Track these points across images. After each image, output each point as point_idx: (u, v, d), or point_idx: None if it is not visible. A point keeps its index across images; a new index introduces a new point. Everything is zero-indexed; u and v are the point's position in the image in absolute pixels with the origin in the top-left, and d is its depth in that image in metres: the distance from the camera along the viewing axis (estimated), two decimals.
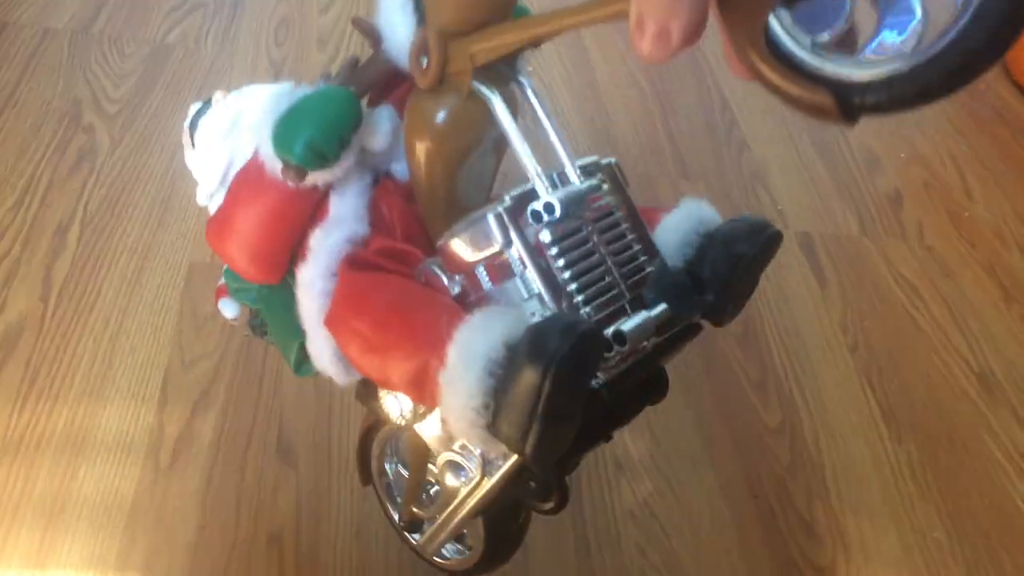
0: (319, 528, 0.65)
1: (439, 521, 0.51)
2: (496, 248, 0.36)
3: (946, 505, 0.76)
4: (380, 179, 0.44)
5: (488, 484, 0.46)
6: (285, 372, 0.74)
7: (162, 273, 0.80)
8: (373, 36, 0.43)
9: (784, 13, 0.29)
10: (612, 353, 0.36)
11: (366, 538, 0.64)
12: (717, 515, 0.72)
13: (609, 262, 0.38)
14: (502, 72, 0.39)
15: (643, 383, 0.41)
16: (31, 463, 0.64)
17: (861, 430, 0.81)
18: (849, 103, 0.28)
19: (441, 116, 0.39)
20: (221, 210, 0.45)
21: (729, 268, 0.39)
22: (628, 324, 0.36)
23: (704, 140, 1.12)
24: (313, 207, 0.43)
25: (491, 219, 0.36)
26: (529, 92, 0.40)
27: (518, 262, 0.36)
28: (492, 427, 0.34)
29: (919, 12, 0.29)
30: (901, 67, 0.27)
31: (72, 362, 0.71)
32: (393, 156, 0.44)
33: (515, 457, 0.42)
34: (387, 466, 0.58)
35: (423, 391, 0.36)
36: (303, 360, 0.47)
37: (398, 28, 0.40)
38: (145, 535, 0.62)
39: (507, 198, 0.36)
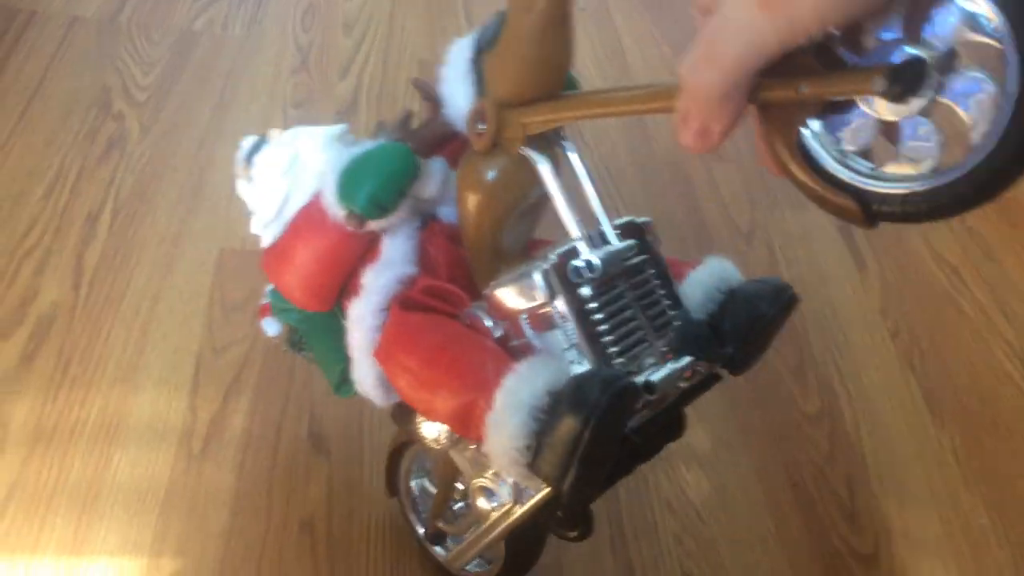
0: (352, 517, 0.64)
1: (468, 540, 0.52)
2: (540, 301, 0.40)
3: (991, 491, 0.74)
4: (428, 221, 0.48)
5: (519, 511, 0.47)
6: None
7: (192, 260, 0.79)
8: (433, 99, 0.47)
9: (815, 122, 0.33)
10: (642, 401, 0.39)
11: (399, 529, 0.64)
12: (754, 503, 0.70)
13: (640, 316, 0.41)
14: (548, 137, 0.43)
15: (665, 424, 0.45)
16: (65, 452, 0.64)
17: (903, 416, 0.79)
18: (869, 209, 0.32)
19: (492, 175, 0.43)
20: (281, 244, 0.49)
21: (749, 325, 0.42)
22: (657, 375, 0.40)
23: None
24: (366, 248, 0.47)
25: (537, 276, 0.39)
26: (572, 157, 0.43)
27: (559, 316, 0.40)
28: (532, 465, 0.37)
29: (936, 144, 0.31)
30: (916, 187, 0.30)
31: (104, 350, 0.71)
32: (441, 201, 0.48)
33: (547, 488, 0.45)
34: (413, 483, 0.60)
35: (468, 427, 0.40)
36: (343, 382, 0.50)
37: (459, 96, 0.44)
38: (179, 521, 0.62)
39: (552, 255, 0.40)
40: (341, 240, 0.46)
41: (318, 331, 0.52)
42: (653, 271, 0.42)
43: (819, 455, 0.75)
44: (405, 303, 0.45)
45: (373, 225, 0.45)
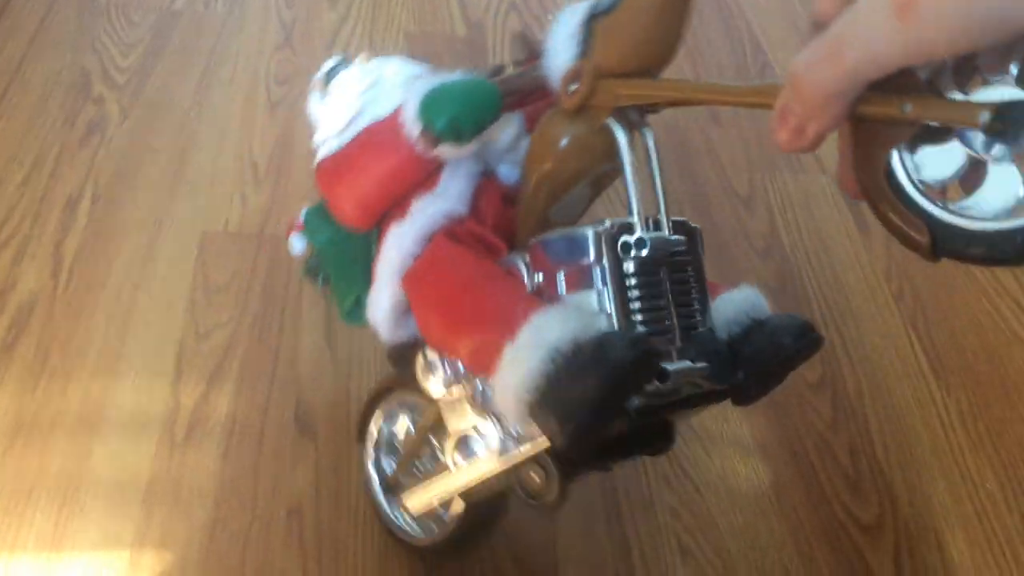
0: (339, 503, 0.62)
1: (432, 489, 0.52)
2: (587, 261, 0.40)
3: (999, 455, 0.72)
4: (487, 173, 0.49)
5: (495, 466, 0.46)
6: (302, 344, 0.72)
7: (174, 245, 0.78)
8: (533, 49, 0.49)
9: (905, 149, 0.34)
10: (652, 386, 0.40)
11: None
12: (754, 474, 0.69)
13: (672, 308, 0.41)
14: (631, 116, 0.43)
15: (650, 431, 0.45)
16: (45, 443, 0.63)
17: (907, 380, 0.77)
18: (936, 241, 0.33)
19: (567, 140, 0.43)
20: (343, 154, 0.48)
21: (770, 355, 0.43)
22: (673, 366, 0.40)
23: (734, 83, 1.07)
24: (425, 176, 0.47)
25: (591, 234, 0.40)
26: (649, 142, 0.44)
27: (600, 279, 0.40)
28: (536, 409, 0.37)
29: (1016, 192, 0.32)
30: (988, 228, 0.31)
31: (84, 339, 0.69)
32: (505, 158, 0.49)
33: (530, 447, 0.44)
34: (382, 427, 0.58)
35: (482, 360, 0.39)
36: (355, 308, 0.51)
37: (561, 53, 0.44)
38: (161, 512, 0.60)
39: (608, 223, 0.40)
40: (406, 160, 0.46)
41: (343, 256, 0.52)
42: (693, 274, 0.43)
43: (821, 424, 0.73)
44: (451, 235, 0.46)
45: (442, 150, 0.45)
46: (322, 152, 0.50)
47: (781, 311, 0.80)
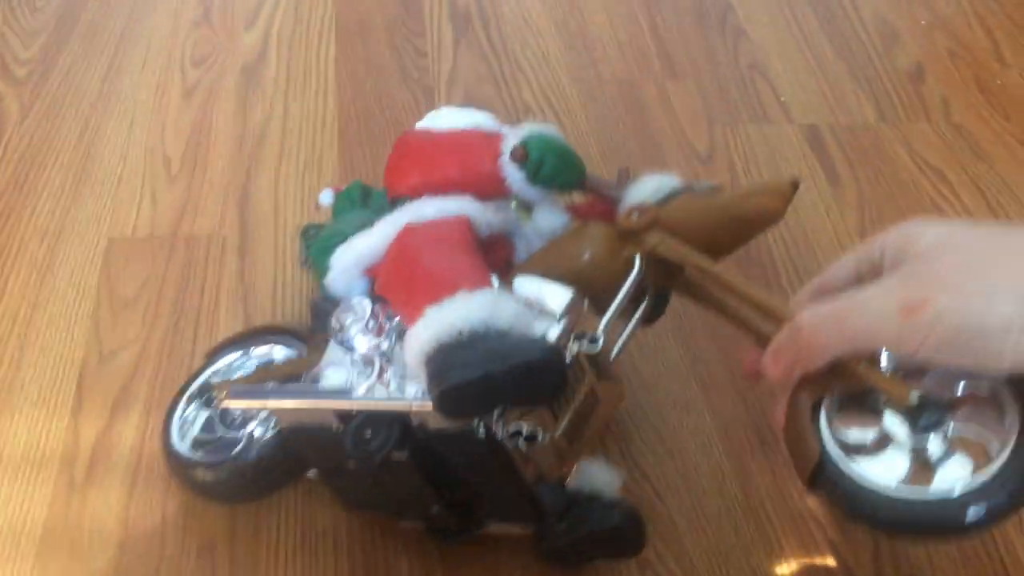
0: (258, 537, 0.57)
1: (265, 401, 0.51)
2: (550, 308, 0.45)
3: None
4: (499, 235, 0.55)
5: (348, 402, 0.47)
6: None
7: (77, 255, 0.71)
8: (623, 180, 0.55)
9: (834, 403, 0.43)
10: (520, 430, 0.45)
11: (312, 542, 0.57)
12: (717, 469, 0.62)
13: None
14: (660, 269, 0.51)
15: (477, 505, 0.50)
16: None
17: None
18: (821, 475, 0.40)
19: (591, 253, 0.51)
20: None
21: (585, 536, 0.51)
22: (531, 437, 0.45)
23: (693, 31, 0.99)
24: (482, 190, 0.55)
25: (572, 296, 0.46)
26: (645, 303, 0.52)
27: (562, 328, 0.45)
28: (428, 359, 0.42)
29: (906, 467, 0.40)
30: (871, 488, 0.39)
31: None
32: (528, 241, 0.56)
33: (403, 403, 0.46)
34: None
35: (415, 313, 0.44)
36: (326, 251, 0.54)
37: (642, 192, 0.53)
38: (59, 562, 0.55)
39: (570, 321, 0.46)
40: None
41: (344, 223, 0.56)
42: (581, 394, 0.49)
43: None
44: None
45: (518, 178, 0.53)
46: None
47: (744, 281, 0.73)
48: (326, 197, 0.61)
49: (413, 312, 0.44)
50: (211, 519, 0.57)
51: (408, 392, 0.46)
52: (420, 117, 0.79)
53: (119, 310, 0.68)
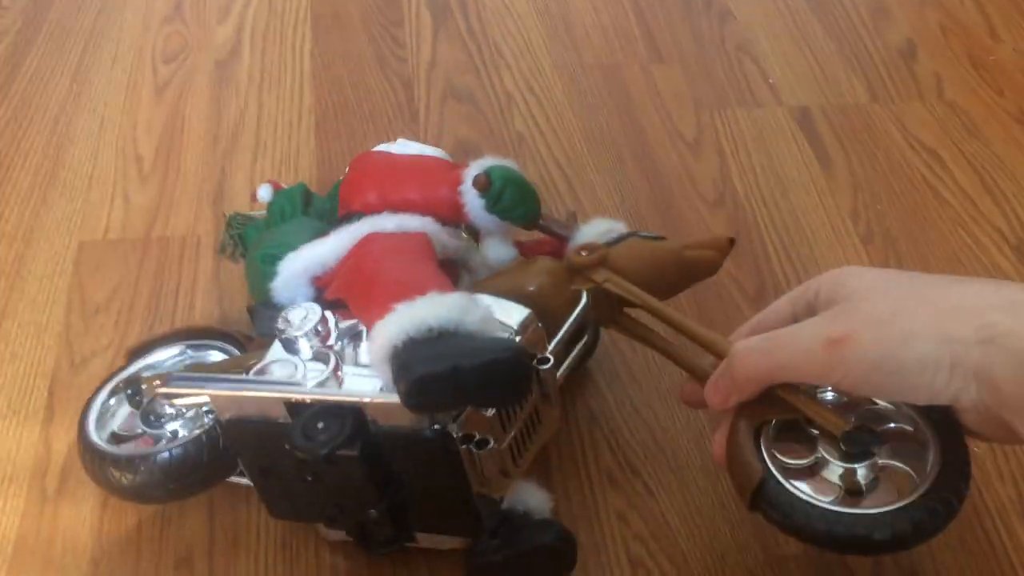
0: (237, 546, 0.55)
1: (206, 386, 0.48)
2: (507, 324, 0.48)
3: None
4: (450, 261, 0.56)
5: (297, 391, 0.45)
6: None
7: (46, 260, 0.69)
8: (572, 222, 0.59)
9: (772, 429, 0.47)
10: (473, 435, 0.45)
11: (293, 548, 0.55)
12: (711, 463, 0.60)
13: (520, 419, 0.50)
14: (605, 304, 0.55)
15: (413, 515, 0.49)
16: None
17: None
18: (762, 493, 0.45)
19: (536, 286, 0.53)
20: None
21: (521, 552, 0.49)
22: (482, 443, 0.45)
23: (678, 14, 0.97)
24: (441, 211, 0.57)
25: (528, 314, 0.49)
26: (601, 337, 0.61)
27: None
28: (403, 351, 0.42)
29: (837, 490, 0.46)
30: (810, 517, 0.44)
31: None
32: (476, 268, 0.58)
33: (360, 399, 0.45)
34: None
35: (380, 313, 0.44)
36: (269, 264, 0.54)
37: (590, 233, 0.57)
38: None
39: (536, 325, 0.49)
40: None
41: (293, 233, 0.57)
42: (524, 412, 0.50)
43: None
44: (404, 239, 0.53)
45: (476, 205, 0.55)
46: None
47: (735, 269, 0.72)
48: (265, 192, 0.61)
49: (378, 310, 0.44)
50: (188, 529, 0.55)
51: (364, 388, 0.46)
52: (399, 108, 0.77)
53: (91, 315, 0.66)
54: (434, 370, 0.40)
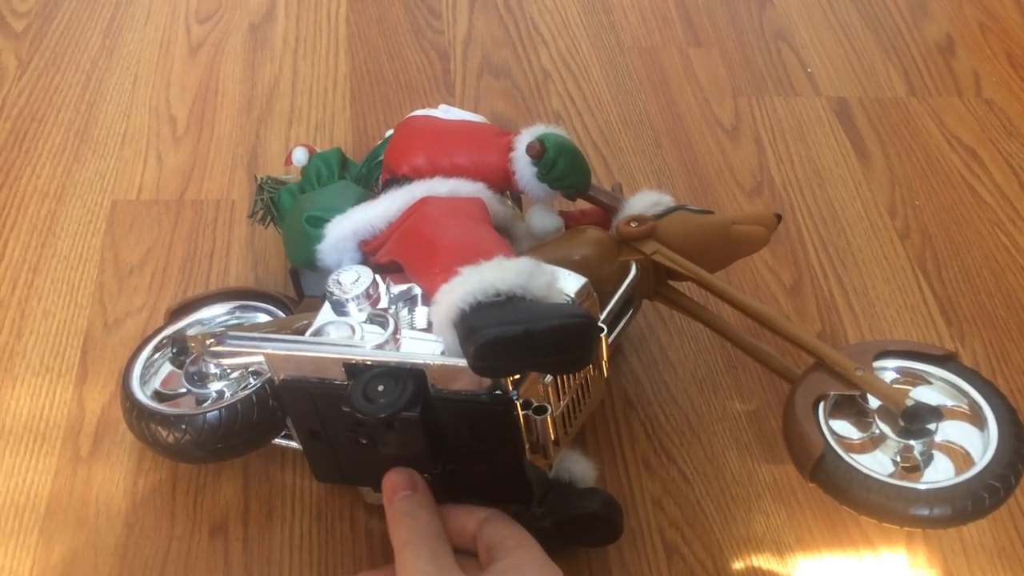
0: (272, 515, 0.54)
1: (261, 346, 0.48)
2: (565, 292, 0.47)
3: (1021, 410, 0.64)
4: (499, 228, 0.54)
5: (356, 352, 0.45)
6: None
7: (79, 218, 0.68)
8: (618, 193, 0.59)
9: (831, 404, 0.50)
10: (531, 401, 0.45)
11: (329, 520, 0.54)
12: (747, 452, 0.60)
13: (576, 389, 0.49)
14: (653, 278, 0.56)
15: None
16: None
17: (916, 330, 0.68)
18: (822, 467, 0.47)
19: (582, 255, 0.53)
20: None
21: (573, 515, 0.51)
22: (540, 410, 0.45)
23: None
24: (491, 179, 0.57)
25: (585, 282, 0.48)
26: (633, 312, 0.56)
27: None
28: (470, 314, 0.42)
29: (889, 468, 0.48)
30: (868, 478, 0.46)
31: None
32: (523, 237, 0.58)
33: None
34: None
35: (444, 276, 0.44)
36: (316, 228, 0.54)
37: (640, 205, 0.57)
38: (64, 539, 0.52)
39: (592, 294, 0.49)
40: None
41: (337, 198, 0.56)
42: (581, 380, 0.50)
43: None
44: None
45: (527, 173, 0.55)
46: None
47: (771, 259, 0.71)
48: (301, 155, 0.60)
49: (442, 274, 0.44)
50: (223, 498, 0.55)
51: (424, 351, 0.45)
52: (435, 81, 0.76)
53: (124, 276, 0.65)
54: (506, 332, 0.40)
